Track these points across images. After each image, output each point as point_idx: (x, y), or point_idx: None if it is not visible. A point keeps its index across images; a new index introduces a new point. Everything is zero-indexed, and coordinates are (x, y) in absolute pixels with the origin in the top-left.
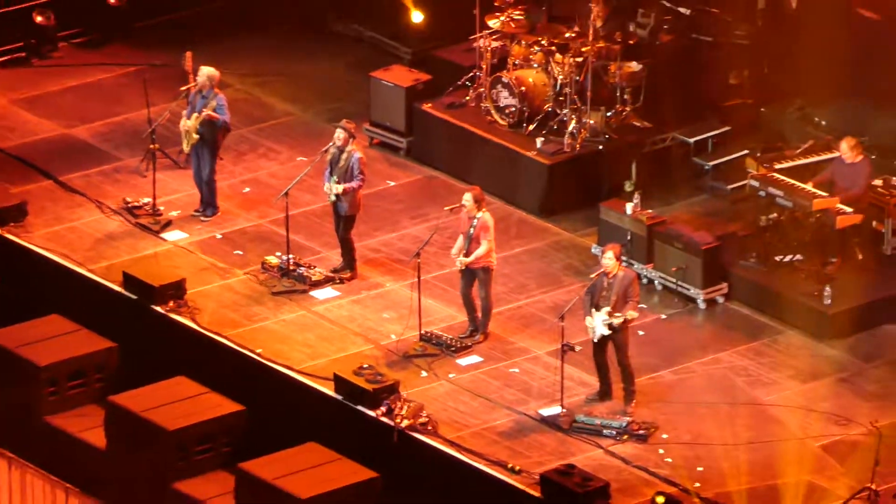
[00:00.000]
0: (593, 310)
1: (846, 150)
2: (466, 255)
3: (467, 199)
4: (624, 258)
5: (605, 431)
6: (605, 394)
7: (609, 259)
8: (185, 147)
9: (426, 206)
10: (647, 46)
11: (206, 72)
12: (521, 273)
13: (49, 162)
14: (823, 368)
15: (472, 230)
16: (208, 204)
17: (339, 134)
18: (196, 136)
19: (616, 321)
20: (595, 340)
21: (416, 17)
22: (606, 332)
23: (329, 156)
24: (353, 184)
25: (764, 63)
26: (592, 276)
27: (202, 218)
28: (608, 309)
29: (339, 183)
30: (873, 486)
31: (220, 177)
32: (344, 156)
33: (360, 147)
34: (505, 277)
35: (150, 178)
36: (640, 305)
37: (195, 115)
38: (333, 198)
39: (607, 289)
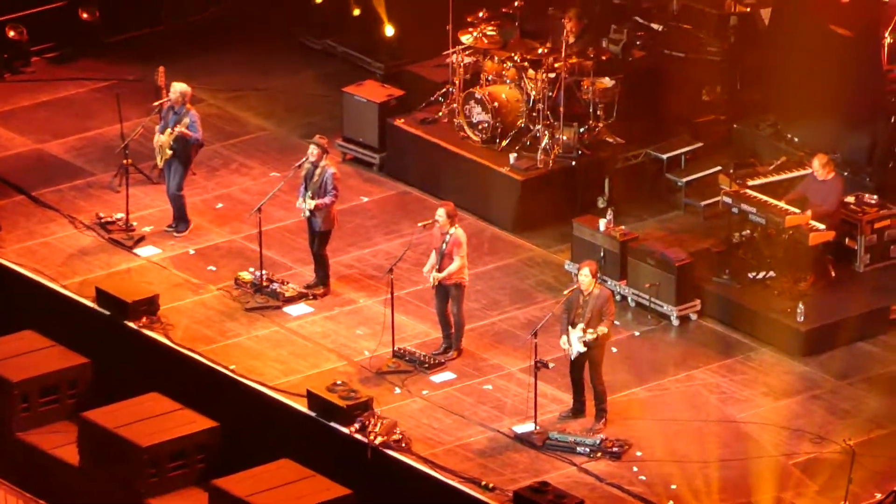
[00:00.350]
0: (569, 327)
1: (818, 167)
2: (439, 270)
3: (440, 214)
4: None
5: (578, 449)
6: (578, 411)
7: (585, 276)
8: (159, 162)
9: (399, 222)
10: (620, 62)
11: (179, 88)
12: (493, 289)
13: (22, 177)
14: (797, 386)
15: (444, 246)
16: (180, 219)
17: (313, 150)
18: (169, 152)
19: (589, 338)
20: (572, 358)
21: (388, 30)
22: (582, 349)
23: (303, 171)
24: (326, 200)
25: (736, 79)
26: (566, 291)
27: (175, 234)
28: (582, 326)
29: (312, 198)
30: None
31: (192, 192)
32: (318, 171)
33: (333, 163)
34: (478, 293)
35: (123, 193)
36: (614, 323)
37: (168, 130)
38: (307, 213)
39: (582, 306)
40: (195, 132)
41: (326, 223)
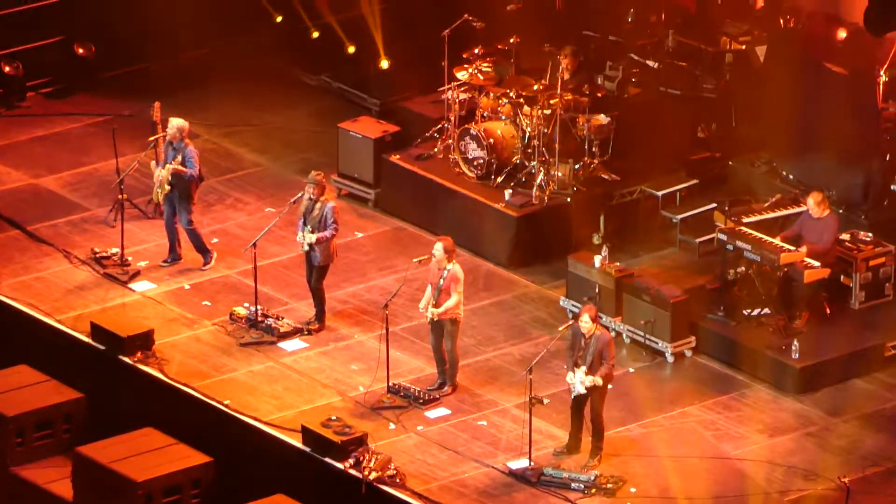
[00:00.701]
0: (574, 367)
1: (813, 205)
2: (436, 306)
3: (438, 249)
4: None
5: (573, 485)
6: (573, 447)
7: (586, 322)
8: (160, 197)
9: (394, 258)
10: (616, 99)
11: (176, 123)
12: (488, 325)
13: (17, 212)
14: (791, 423)
15: (442, 281)
16: (201, 251)
17: (310, 188)
18: (168, 187)
19: (588, 384)
20: (573, 395)
21: (384, 64)
22: (583, 390)
23: (302, 206)
24: (327, 233)
25: (732, 117)
26: (561, 328)
27: (202, 268)
28: (585, 369)
29: (312, 232)
30: None
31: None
32: (318, 205)
33: (333, 196)
34: (473, 329)
35: (118, 228)
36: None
37: (168, 165)
38: (307, 247)
39: (584, 348)
40: (191, 167)
41: (326, 257)
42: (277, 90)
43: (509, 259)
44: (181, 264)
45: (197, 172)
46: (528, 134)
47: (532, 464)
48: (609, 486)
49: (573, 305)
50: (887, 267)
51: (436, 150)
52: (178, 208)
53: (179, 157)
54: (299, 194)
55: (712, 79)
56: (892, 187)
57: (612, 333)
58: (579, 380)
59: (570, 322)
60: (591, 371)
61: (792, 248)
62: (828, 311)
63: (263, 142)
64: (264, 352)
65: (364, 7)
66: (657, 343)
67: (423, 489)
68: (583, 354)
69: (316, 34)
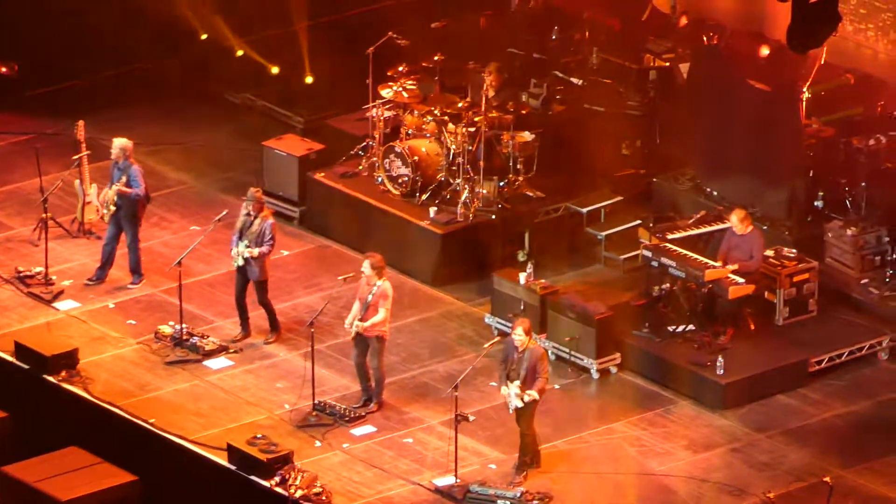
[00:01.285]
0: (507, 381)
1: (736, 222)
2: (362, 320)
3: (365, 266)
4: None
5: (499, 502)
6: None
7: (519, 335)
8: (105, 217)
9: (319, 276)
10: (540, 116)
11: (119, 144)
12: (414, 343)
13: None
14: (716, 439)
15: (370, 297)
16: (134, 271)
17: (248, 205)
18: (113, 208)
19: (526, 399)
20: (511, 411)
21: (308, 79)
22: (520, 404)
23: (239, 222)
24: (264, 248)
25: (656, 134)
26: (486, 345)
27: (129, 285)
28: (519, 383)
29: (250, 247)
30: None
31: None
32: (257, 221)
33: (271, 213)
34: (398, 347)
35: (42, 247)
36: (547, 382)
37: (114, 186)
38: (241, 261)
39: (517, 362)
40: (137, 187)
41: (262, 273)
42: (202, 108)
43: (434, 276)
44: (106, 283)
45: (143, 191)
46: (452, 151)
47: (458, 481)
48: (535, 502)
49: (498, 322)
50: (811, 283)
51: (360, 167)
52: (121, 228)
53: (125, 178)
54: (224, 212)
55: (636, 96)
56: (815, 203)
57: None
58: (514, 393)
59: (496, 339)
60: (525, 385)
61: (717, 264)
62: (752, 327)
63: (187, 160)
64: (189, 370)
65: (290, 24)
66: (582, 360)
67: None
68: (515, 368)
69: (240, 52)
